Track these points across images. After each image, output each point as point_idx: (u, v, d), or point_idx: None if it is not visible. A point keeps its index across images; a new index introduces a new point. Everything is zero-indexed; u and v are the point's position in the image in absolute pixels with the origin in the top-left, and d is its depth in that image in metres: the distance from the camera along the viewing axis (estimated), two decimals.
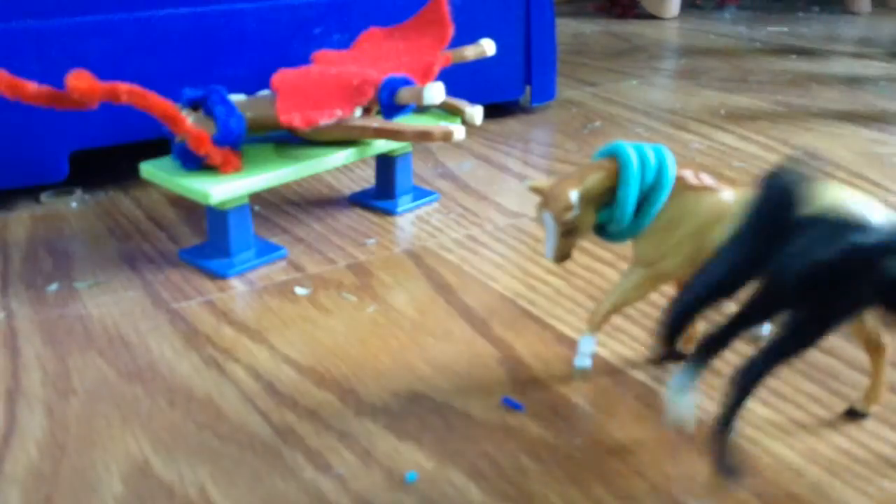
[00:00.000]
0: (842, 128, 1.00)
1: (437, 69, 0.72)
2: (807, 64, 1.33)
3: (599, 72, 1.30)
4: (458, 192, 0.81)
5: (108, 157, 0.90)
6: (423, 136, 0.66)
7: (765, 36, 1.56)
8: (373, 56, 0.75)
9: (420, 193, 0.79)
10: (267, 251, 0.67)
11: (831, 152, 0.91)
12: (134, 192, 0.82)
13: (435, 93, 0.62)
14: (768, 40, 1.52)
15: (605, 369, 0.51)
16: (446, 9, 0.77)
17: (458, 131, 0.66)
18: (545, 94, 1.06)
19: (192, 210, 0.77)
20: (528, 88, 1.06)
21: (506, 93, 1.03)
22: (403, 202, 0.76)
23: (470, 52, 0.76)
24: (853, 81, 1.22)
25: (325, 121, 0.63)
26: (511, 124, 1.03)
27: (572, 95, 1.16)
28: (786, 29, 1.62)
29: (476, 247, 0.69)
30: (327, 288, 0.62)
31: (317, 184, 0.84)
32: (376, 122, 0.67)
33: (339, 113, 0.63)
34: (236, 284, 0.63)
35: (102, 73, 0.78)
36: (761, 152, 0.91)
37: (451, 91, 0.96)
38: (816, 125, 1.01)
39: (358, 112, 0.66)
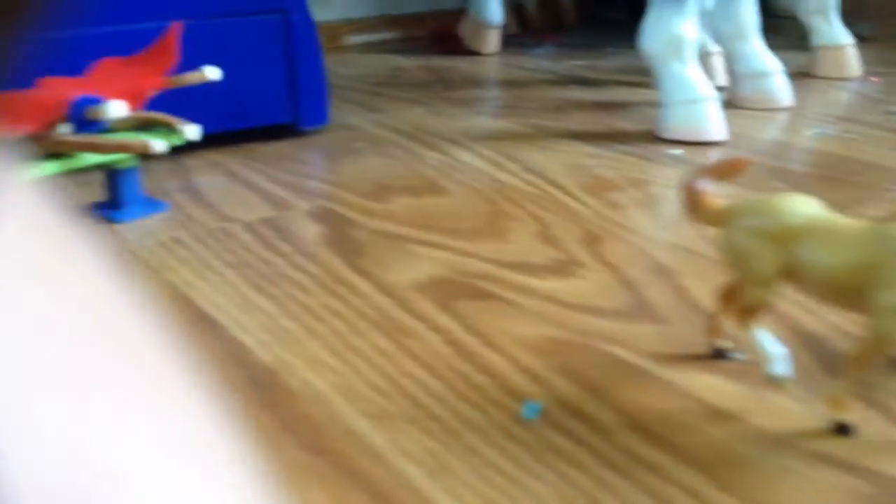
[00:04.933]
0: (568, 145, 1.13)
1: (149, 93, 0.81)
2: (581, 92, 1.48)
3: (393, 101, 1.42)
4: (191, 204, 0.91)
5: None
6: (123, 148, 0.75)
7: (563, 69, 1.71)
8: (98, 81, 0.85)
9: (151, 205, 0.88)
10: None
11: (543, 164, 1.03)
12: None
13: (115, 109, 0.72)
14: (563, 72, 1.67)
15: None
16: (175, 41, 0.87)
17: (158, 145, 0.76)
18: (315, 118, 1.17)
19: None
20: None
21: (272, 116, 1.13)
22: (129, 212, 0.85)
23: (191, 78, 0.86)
24: (612, 106, 1.36)
25: (17, 135, 0.72)
26: (279, 146, 1.13)
27: (354, 121, 1.27)
28: (586, 63, 1.77)
29: (179, 249, 0.78)
30: None
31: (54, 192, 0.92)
32: (83, 137, 0.76)
33: (30, 128, 0.72)
34: None
35: None
36: (485, 166, 1.03)
37: (219, 114, 1.06)
38: (549, 144, 1.14)
39: (65, 128, 0.75)
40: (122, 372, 0.15)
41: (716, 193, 0.54)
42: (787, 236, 0.48)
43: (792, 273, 0.49)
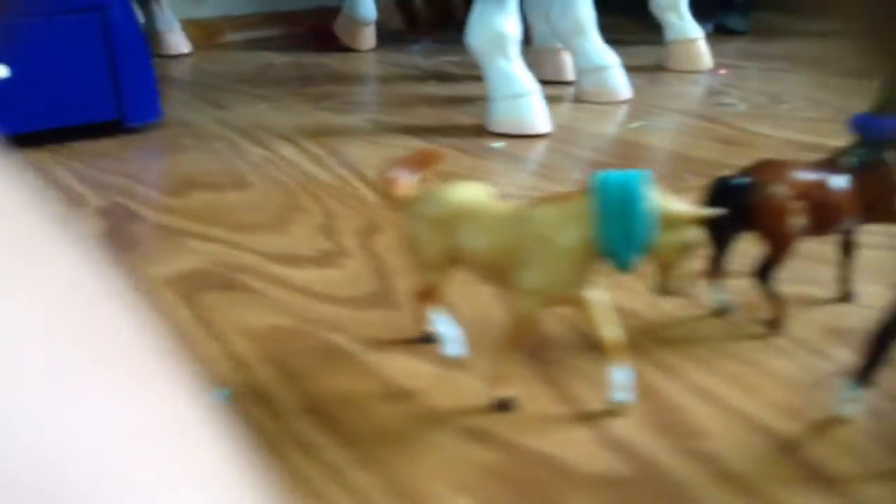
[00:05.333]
0: (398, 139, 1.14)
1: None
2: (437, 88, 1.50)
3: (243, 97, 1.42)
4: None
5: None
6: None
7: (431, 65, 1.72)
8: None
9: None
10: None
11: (362, 159, 1.04)
12: None
13: None
14: (430, 68, 1.68)
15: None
16: None
17: None
18: (143, 115, 1.16)
19: None
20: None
21: (95, 114, 1.12)
22: None
23: None
24: (460, 101, 1.38)
25: None
26: (104, 144, 1.12)
27: (193, 118, 1.27)
28: (456, 58, 1.79)
29: None
30: None
31: None
32: None
33: None
34: None
35: None
36: (303, 161, 1.04)
37: (39, 112, 1.05)
38: (380, 138, 1.15)
39: None
40: (100, 363, 0.14)
41: (407, 182, 0.55)
42: (451, 222, 0.50)
43: (456, 257, 0.50)
